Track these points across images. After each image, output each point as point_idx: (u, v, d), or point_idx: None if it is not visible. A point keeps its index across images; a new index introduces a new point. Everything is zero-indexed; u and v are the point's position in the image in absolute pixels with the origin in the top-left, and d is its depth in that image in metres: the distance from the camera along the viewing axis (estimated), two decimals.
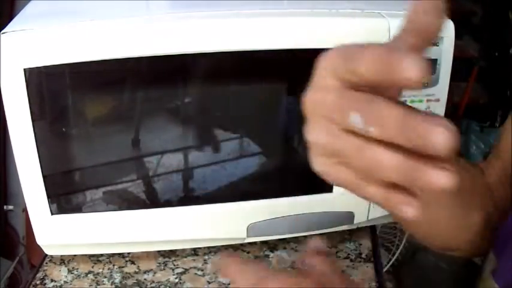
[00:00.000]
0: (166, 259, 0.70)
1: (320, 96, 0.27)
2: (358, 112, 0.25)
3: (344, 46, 0.27)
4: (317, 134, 0.28)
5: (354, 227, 0.71)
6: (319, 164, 0.29)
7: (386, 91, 0.26)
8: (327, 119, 0.27)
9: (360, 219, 0.69)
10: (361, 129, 0.25)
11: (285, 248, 0.72)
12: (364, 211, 0.69)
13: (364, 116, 0.25)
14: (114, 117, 0.64)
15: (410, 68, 0.24)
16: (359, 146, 0.26)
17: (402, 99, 0.64)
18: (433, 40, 0.27)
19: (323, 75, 0.27)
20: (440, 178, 0.24)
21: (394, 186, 0.26)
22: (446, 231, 0.47)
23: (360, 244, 0.74)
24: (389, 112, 0.24)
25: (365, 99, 0.25)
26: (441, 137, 0.23)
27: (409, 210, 0.26)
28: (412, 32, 0.27)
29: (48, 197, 0.61)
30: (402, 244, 1.45)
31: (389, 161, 0.25)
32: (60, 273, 0.68)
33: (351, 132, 0.26)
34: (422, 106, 0.64)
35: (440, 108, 0.65)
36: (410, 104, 0.63)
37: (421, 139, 0.23)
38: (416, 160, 0.24)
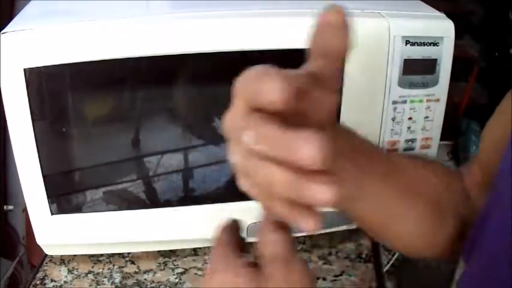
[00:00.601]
0: (166, 259, 0.70)
1: (230, 118, 0.29)
2: (250, 132, 0.26)
3: (256, 71, 0.28)
4: (232, 155, 0.29)
5: (354, 227, 0.71)
6: (242, 184, 0.31)
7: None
8: (236, 140, 0.28)
9: None
10: (253, 148, 0.26)
11: None
12: None
13: (254, 135, 0.26)
14: (114, 117, 0.64)
15: (306, 152, 0.24)
16: (257, 165, 0.27)
17: (403, 99, 0.64)
18: (343, 59, 0.29)
19: (236, 97, 0.28)
20: (319, 193, 0.25)
21: (294, 201, 0.27)
22: (406, 238, 0.46)
23: (360, 244, 0.74)
24: (273, 132, 0.26)
25: (258, 120, 0.26)
26: (306, 150, 0.24)
27: (308, 225, 0.27)
28: (318, 54, 0.29)
29: (48, 197, 0.61)
30: None
31: (279, 178, 0.26)
32: (60, 273, 0.68)
33: (253, 153, 0.27)
34: (422, 106, 0.64)
35: (440, 108, 0.65)
36: (409, 105, 0.64)
37: (292, 153, 0.25)
38: (302, 176, 0.25)
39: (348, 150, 0.37)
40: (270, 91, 0.25)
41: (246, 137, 0.27)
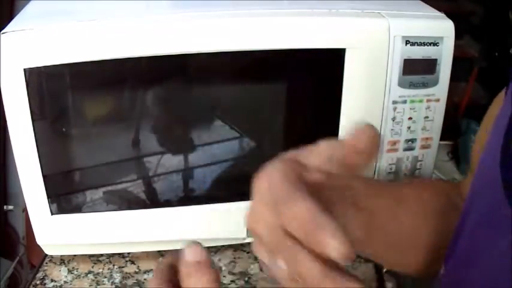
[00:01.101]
0: None
1: (262, 226, 0.31)
2: (284, 260, 0.29)
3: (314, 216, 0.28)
4: (259, 253, 0.32)
5: None
6: (261, 256, 0.32)
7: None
8: (263, 244, 0.31)
9: None
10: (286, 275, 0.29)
11: None
12: None
13: (288, 266, 0.29)
14: (114, 117, 0.64)
15: (332, 248, 0.26)
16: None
17: (403, 99, 0.64)
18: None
19: (283, 221, 0.29)
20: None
21: None
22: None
23: None
24: (309, 268, 0.27)
25: (291, 249, 0.28)
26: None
27: None
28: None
29: (48, 197, 0.61)
30: None
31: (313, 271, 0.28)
32: (60, 273, 0.68)
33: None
34: (422, 106, 0.64)
35: (440, 108, 0.65)
36: (409, 105, 0.64)
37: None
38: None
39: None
40: (333, 249, 0.26)
41: (280, 263, 0.29)
